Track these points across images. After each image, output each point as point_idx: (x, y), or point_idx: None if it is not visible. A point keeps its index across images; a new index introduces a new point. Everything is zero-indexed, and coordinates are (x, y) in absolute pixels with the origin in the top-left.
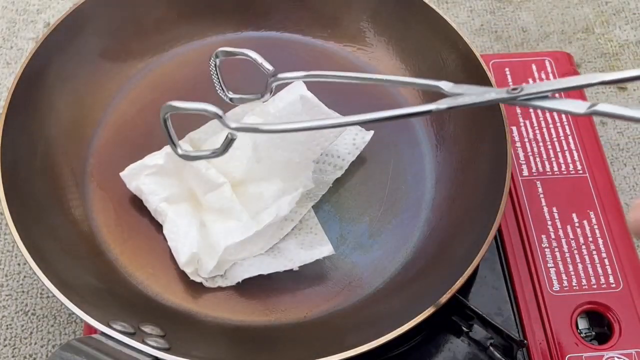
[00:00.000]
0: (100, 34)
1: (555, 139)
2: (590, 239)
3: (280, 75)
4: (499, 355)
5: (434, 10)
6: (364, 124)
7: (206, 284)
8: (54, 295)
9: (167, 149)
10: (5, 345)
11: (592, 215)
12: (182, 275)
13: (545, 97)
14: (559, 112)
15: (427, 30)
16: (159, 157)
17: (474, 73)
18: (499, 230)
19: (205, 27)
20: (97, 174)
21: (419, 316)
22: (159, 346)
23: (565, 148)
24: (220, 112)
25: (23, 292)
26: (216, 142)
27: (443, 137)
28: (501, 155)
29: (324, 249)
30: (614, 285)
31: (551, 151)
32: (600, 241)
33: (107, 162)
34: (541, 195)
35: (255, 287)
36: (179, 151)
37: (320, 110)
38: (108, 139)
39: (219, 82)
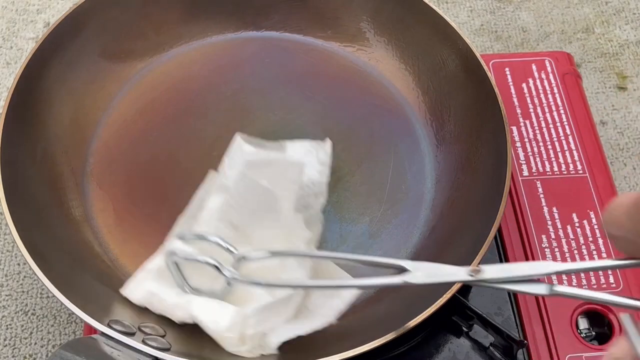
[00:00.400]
0: (100, 34)
1: (555, 139)
2: (590, 239)
3: (247, 256)
4: (499, 355)
5: (434, 10)
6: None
7: (248, 357)
8: (54, 295)
9: (164, 249)
10: (5, 345)
11: (592, 215)
12: None
13: (505, 281)
14: (521, 293)
15: (427, 30)
16: (158, 259)
17: (473, 73)
18: (499, 230)
19: (205, 27)
20: (97, 174)
21: (419, 316)
22: (159, 346)
23: (565, 148)
24: (217, 264)
25: (23, 292)
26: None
27: (443, 137)
28: (501, 155)
29: (352, 291)
30: (614, 285)
31: (551, 151)
32: (600, 241)
33: (107, 162)
34: (541, 195)
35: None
36: (186, 289)
37: (268, 163)
38: (108, 139)
39: (181, 277)
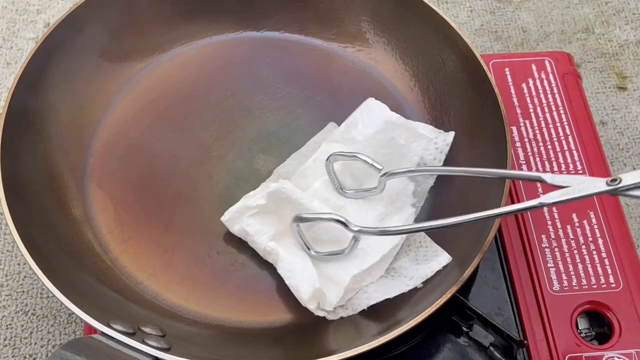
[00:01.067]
0: (100, 34)
1: (555, 139)
2: (590, 239)
3: (391, 172)
4: (499, 355)
5: (434, 10)
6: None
7: (329, 317)
8: (54, 295)
9: (267, 188)
10: (5, 345)
11: (592, 215)
12: (182, 275)
13: None
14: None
15: (427, 30)
16: (260, 197)
17: (473, 73)
18: (499, 230)
19: (205, 27)
20: (97, 174)
21: (419, 316)
22: (159, 346)
23: (565, 148)
24: (343, 220)
25: (23, 292)
26: (304, 173)
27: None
28: (501, 155)
29: (441, 259)
30: (614, 285)
31: (551, 151)
32: (600, 241)
33: (107, 162)
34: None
35: (255, 287)
36: (312, 253)
37: (406, 127)
38: (108, 139)
39: (336, 180)
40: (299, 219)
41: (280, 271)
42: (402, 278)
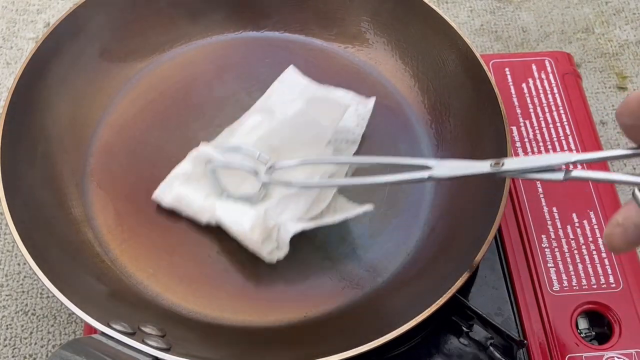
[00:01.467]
0: (100, 34)
1: (555, 139)
2: (590, 239)
3: (277, 165)
4: (499, 355)
5: (434, 10)
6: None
7: (268, 259)
8: (54, 295)
9: (192, 154)
10: (5, 346)
11: (592, 215)
12: (182, 275)
13: (524, 171)
14: (539, 180)
15: (427, 30)
16: (187, 164)
17: (473, 73)
18: (499, 230)
19: (205, 27)
20: (97, 174)
21: (419, 316)
22: (159, 346)
23: (565, 148)
24: (255, 169)
25: (23, 292)
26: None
27: (443, 137)
28: (501, 155)
29: (363, 207)
30: (614, 285)
31: (551, 151)
32: (600, 241)
33: (107, 162)
34: (541, 195)
35: (255, 287)
36: (225, 195)
37: (326, 99)
38: (108, 139)
39: (218, 183)
40: (212, 162)
41: (220, 216)
42: (324, 219)
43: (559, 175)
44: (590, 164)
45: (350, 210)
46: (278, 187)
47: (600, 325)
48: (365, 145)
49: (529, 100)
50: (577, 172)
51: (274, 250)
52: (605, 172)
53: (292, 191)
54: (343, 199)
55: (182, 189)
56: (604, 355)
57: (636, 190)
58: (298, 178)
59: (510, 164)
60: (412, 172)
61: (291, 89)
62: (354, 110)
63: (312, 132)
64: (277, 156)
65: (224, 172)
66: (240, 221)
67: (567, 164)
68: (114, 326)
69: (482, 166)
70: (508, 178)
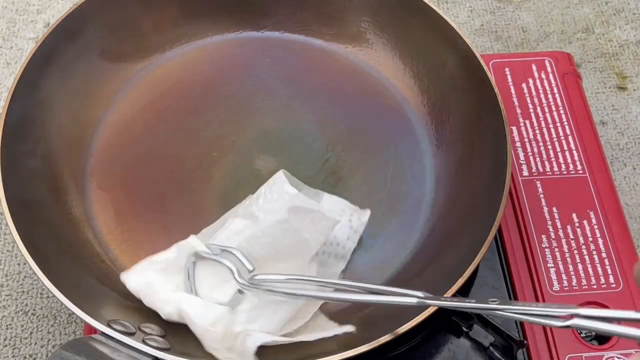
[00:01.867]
0: (100, 34)
1: (555, 139)
2: (590, 239)
3: (257, 277)
4: (499, 356)
5: (434, 10)
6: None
7: None
8: (54, 295)
9: (178, 244)
10: (5, 346)
11: (592, 215)
12: None
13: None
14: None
15: (427, 30)
16: (169, 253)
17: (473, 73)
18: (499, 230)
19: (205, 27)
20: (97, 174)
21: (419, 316)
22: (159, 346)
23: (565, 148)
24: (235, 269)
25: (23, 292)
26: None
27: (443, 137)
28: (501, 155)
29: (344, 327)
30: (614, 285)
31: (551, 151)
32: (600, 241)
33: (107, 162)
34: (541, 195)
35: None
36: (193, 292)
37: (310, 211)
38: (108, 139)
39: (191, 282)
40: (195, 256)
41: (184, 309)
42: (298, 336)
43: (558, 323)
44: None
45: (329, 330)
46: (252, 299)
47: None
48: (365, 145)
49: (529, 100)
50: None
51: (235, 351)
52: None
53: (268, 303)
54: (323, 318)
55: (153, 276)
56: (603, 355)
57: None
58: (283, 286)
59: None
60: (401, 297)
61: (279, 196)
62: (346, 221)
63: (294, 244)
64: (259, 266)
65: (200, 272)
66: (204, 314)
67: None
68: (114, 326)
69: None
70: (508, 178)
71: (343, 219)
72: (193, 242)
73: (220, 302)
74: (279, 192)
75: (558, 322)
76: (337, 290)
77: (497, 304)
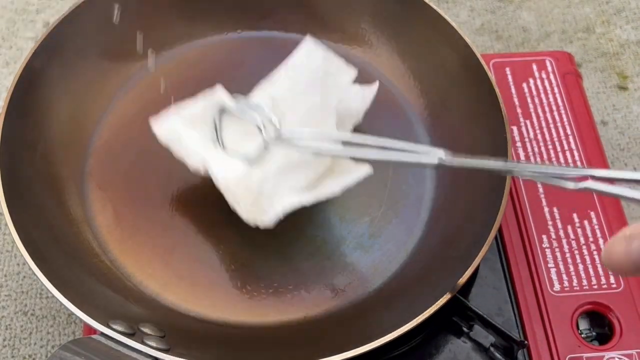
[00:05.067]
0: (100, 34)
1: (555, 139)
2: (591, 239)
3: (283, 132)
4: (499, 356)
5: (434, 9)
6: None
7: (244, 218)
8: (53, 296)
9: (204, 97)
10: (4, 346)
11: (593, 215)
12: (182, 275)
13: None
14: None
15: (428, 30)
16: (196, 107)
17: (474, 73)
18: (499, 230)
19: (205, 27)
20: (97, 174)
21: (419, 316)
22: (159, 346)
23: (566, 148)
24: (262, 123)
25: (23, 292)
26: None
27: (443, 137)
28: (501, 155)
29: (361, 170)
30: (614, 286)
31: (551, 151)
32: (600, 241)
33: (107, 162)
34: (542, 195)
35: (255, 287)
36: (219, 144)
37: (339, 65)
38: (108, 139)
39: (218, 134)
40: (221, 104)
41: (210, 164)
42: (322, 189)
43: (571, 184)
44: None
45: (352, 173)
46: (277, 158)
47: (601, 326)
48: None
49: (529, 100)
50: (592, 184)
51: (257, 212)
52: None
53: (293, 161)
54: (343, 161)
55: (180, 126)
56: (604, 355)
57: None
58: (308, 142)
59: (523, 167)
60: (422, 155)
61: (309, 58)
62: (359, 89)
63: (318, 95)
64: (282, 116)
65: (227, 125)
66: (227, 172)
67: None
68: (114, 326)
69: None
70: (508, 177)
71: (356, 85)
72: (220, 95)
73: (246, 156)
74: (310, 56)
75: (572, 184)
76: (357, 146)
77: (513, 163)
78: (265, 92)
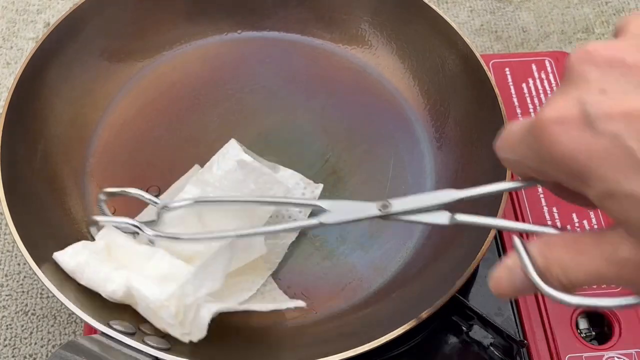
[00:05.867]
0: (100, 34)
1: None
2: None
3: (170, 205)
4: (499, 356)
5: (434, 10)
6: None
7: (181, 339)
8: (54, 295)
9: (104, 231)
10: (5, 346)
11: (592, 216)
12: None
13: (411, 212)
14: (427, 224)
15: (427, 30)
16: (99, 239)
17: (473, 73)
18: (499, 230)
19: (205, 27)
20: (97, 174)
21: (419, 316)
22: (159, 346)
23: None
24: (137, 224)
25: (23, 292)
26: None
27: (443, 137)
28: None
29: (295, 302)
30: (614, 286)
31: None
32: None
33: (107, 162)
34: (541, 195)
35: None
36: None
37: (261, 173)
38: (108, 139)
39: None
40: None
41: (133, 285)
42: (242, 289)
43: (444, 219)
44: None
45: (282, 302)
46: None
47: (600, 325)
48: (365, 145)
49: (529, 100)
50: (463, 217)
51: (189, 325)
52: (491, 217)
53: (207, 264)
54: (278, 291)
55: (92, 256)
56: (604, 355)
57: (516, 242)
58: (184, 235)
59: (397, 205)
60: (303, 221)
61: (233, 164)
62: (300, 194)
63: (245, 212)
64: (206, 226)
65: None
66: (158, 290)
67: (453, 202)
68: (114, 326)
69: (370, 209)
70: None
71: (296, 191)
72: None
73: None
74: (233, 159)
75: (443, 218)
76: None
77: (382, 211)
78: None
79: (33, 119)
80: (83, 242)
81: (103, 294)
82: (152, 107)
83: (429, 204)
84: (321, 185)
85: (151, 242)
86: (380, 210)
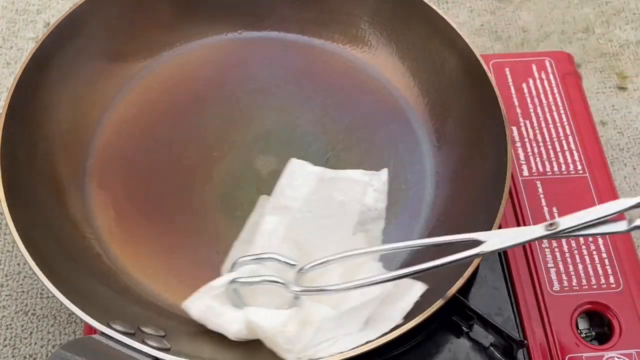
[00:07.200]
0: (100, 34)
1: (555, 139)
2: (590, 239)
3: (306, 267)
4: (499, 356)
5: (434, 10)
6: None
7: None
8: (54, 295)
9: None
10: (5, 346)
11: None
12: (182, 275)
13: (582, 228)
14: (603, 235)
15: (427, 30)
16: (222, 280)
17: (473, 73)
18: None
19: (205, 27)
20: (97, 174)
21: (419, 316)
22: (159, 346)
23: (566, 148)
24: (281, 280)
25: (23, 292)
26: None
27: (443, 137)
28: (501, 155)
29: (416, 287)
30: (614, 285)
31: (551, 151)
32: (600, 241)
33: (107, 162)
34: (541, 195)
35: None
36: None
37: (339, 179)
38: (108, 139)
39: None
40: (233, 282)
41: (251, 318)
42: (379, 323)
43: (622, 226)
44: None
45: (406, 296)
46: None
47: (601, 326)
48: (365, 145)
49: (529, 100)
50: None
51: (305, 352)
52: None
53: (345, 307)
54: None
55: (214, 300)
56: (604, 355)
57: None
58: (332, 282)
59: (565, 222)
60: (461, 253)
61: (303, 180)
62: (370, 187)
63: (333, 214)
64: (308, 253)
65: (251, 292)
66: (273, 317)
67: (624, 211)
68: (114, 326)
69: (536, 231)
70: (508, 178)
71: (364, 185)
72: (226, 278)
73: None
74: (302, 176)
75: (620, 226)
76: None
77: (552, 230)
78: (272, 236)
79: (33, 119)
80: (208, 286)
81: (230, 336)
82: (152, 107)
83: (598, 216)
84: (385, 170)
85: (296, 299)
86: (548, 230)
